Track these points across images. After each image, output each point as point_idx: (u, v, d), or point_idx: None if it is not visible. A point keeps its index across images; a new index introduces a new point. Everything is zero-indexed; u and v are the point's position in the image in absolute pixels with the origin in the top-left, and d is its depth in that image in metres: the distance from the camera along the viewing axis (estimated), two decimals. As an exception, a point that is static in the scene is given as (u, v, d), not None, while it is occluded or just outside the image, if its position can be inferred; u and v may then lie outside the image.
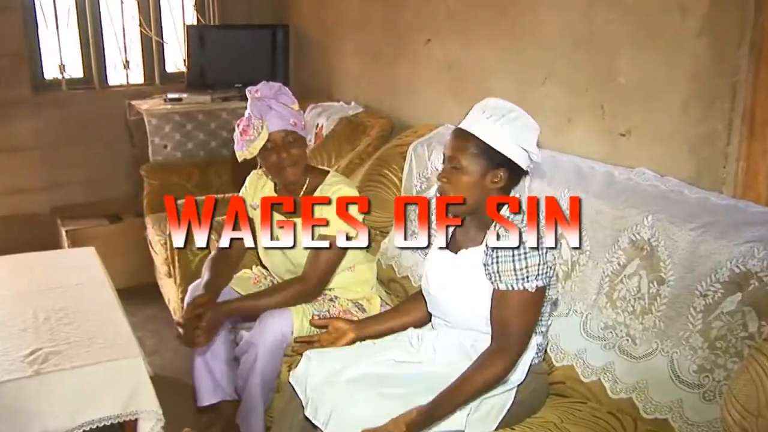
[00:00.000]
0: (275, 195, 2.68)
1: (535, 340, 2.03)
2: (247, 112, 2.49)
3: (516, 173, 1.98)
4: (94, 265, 3.04)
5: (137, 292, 4.22)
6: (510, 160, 1.94)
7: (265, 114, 2.44)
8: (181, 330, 2.40)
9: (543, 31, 2.72)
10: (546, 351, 2.21)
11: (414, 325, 2.31)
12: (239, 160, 2.51)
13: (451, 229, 2.18)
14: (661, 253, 2.01)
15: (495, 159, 1.94)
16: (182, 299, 3.43)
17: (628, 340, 2.07)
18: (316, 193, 2.57)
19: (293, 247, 2.61)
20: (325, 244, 2.49)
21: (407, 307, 2.38)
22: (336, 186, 2.54)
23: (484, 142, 1.93)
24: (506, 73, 2.94)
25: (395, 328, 2.33)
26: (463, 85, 3.23)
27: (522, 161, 1.95)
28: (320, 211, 2.52)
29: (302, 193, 2.60)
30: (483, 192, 1.97)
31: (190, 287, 2.68)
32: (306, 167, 2.62)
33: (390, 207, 3.10)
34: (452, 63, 3.29)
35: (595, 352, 2.15)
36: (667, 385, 1.94)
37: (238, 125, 2.46)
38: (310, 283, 2.51)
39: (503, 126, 1.92)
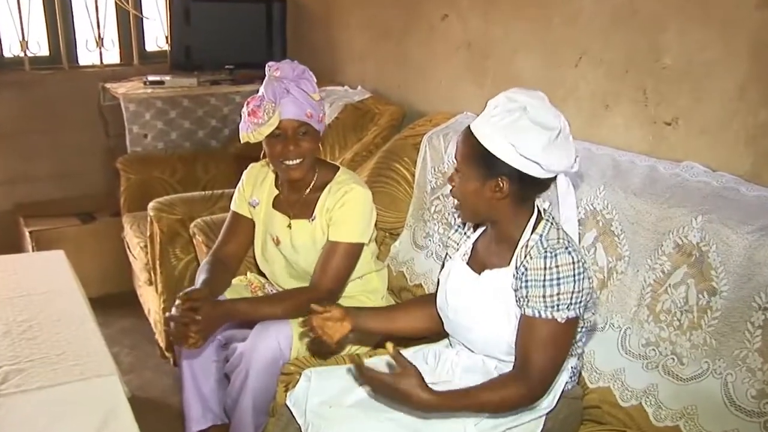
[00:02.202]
0: (277, 191, 2.68)
1: (569, 362, 2.03)
2: (260, 91, 2.47)
3: (529, 181, 1.91)
4: (62, 270, 3.03)
5: (113, 302, 4.22)
6: (513, 167, 1.88)
7: (280, 98, 2.42)
8: (172, 325, 2.37)
9: (577, 3, 2.71)
10: (580, 372, 2.20)
11: (414, 333, 2.31)
12: (241, 141, 2.48)
13: (471, 242, 2.17)
14: (713, 259, 2.00)
15: (494, 165, 1.89)
16: (164, 309, 3.43)
17: (673, 359, 2.06)
18: (325, 192, 2.57)
19: (297, 251, 2.61)
20: (336, 250, 2.50)
21: (410, 311, 2.35)
22: (348, 185, 2.54)
23: (483, 145, 1.89)
24: (534, 53, 2.93)
25: (393, 329, 2.31)
26: (485, 67, 3.21)
27: (530, 169, 1.87)
28: (330, 213, 2.52)
29: (309, 190, 2.60)
30: (485, 202, 1.95)
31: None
32: (315, 161, 2.62)
33: (401, 206, 3.10)
34: (472, 41, 3.28)
35: (635, 373, 2.14)
36: (720, 412, 1.93)
37: (248, 103, 2.45)
38: (322, 294, 2.50)
39: (502, 128, 1.86)
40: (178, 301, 2.38)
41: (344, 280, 2.56)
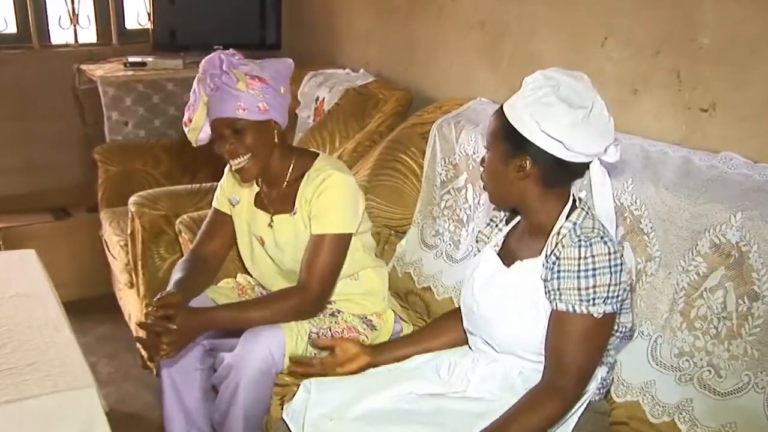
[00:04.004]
0: (257, 188, 2.69)
1: (600, 372, 2.03)
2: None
3: (556, 165, 1.94)
4: (34, 271, 3.03)
5: (90, 307, 4.22)
6: (536, 146, 1.91)
7: (197, 100, 2.50)
8: (143, 334, 2.37)
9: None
10: (609, 386, 2.19)
11: (450, 347, 2.31)
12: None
13: (503, 234, 2.19)
14: (754, 260, 1.98)
15: (518, 144, 1.94)
16: (147, 315, 3.42)
17: (710, 371, 2.05)
18: (303, 182, 2.56)
19: (282, 250, 2.62)
20: (322, 244, 2.49)
21: (438, 329, 2.39)
22: (325, 171, 2.53)
23: (509, 122, 1.95)
24: (555, 32, 2.92)
25: (426, 350, 2.33)
26: (500, 49, 3.21)
27: (554, 150, 1.90)
28: (309, 205, 2.51)
29: (286, 183, 2.60)
30: (510, 183, 2.00)
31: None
32: (291, 150, 2.63)
33: (408, 200, 3.09)
34: (487, 20, 3.27)
35: (667, 386, 2.13)
36: (763, 430, 1.91)
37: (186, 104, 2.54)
38: (311, 294, 2.49)
39: (529, 104, 1.91)
40: (150, 307, 2.39)
41: (334, 277, 2.55)
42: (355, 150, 3.45)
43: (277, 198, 2.62)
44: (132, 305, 3.79)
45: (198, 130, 2.55)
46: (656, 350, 2.18)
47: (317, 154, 2.65)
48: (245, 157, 2.47)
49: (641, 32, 2.57)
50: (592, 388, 2.01)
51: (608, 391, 2.20)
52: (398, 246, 3.09)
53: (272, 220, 2.61)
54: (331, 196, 2.50)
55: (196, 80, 2.52)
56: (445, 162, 2.99)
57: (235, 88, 2.41)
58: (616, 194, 2.33)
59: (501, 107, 2.00)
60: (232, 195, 2.71)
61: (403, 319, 2.75)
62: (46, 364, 2.36)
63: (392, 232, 3.13)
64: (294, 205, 2.57)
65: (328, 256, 2.50)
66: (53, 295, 2.84)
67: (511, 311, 2.04)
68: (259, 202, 2.67)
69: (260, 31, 4.71)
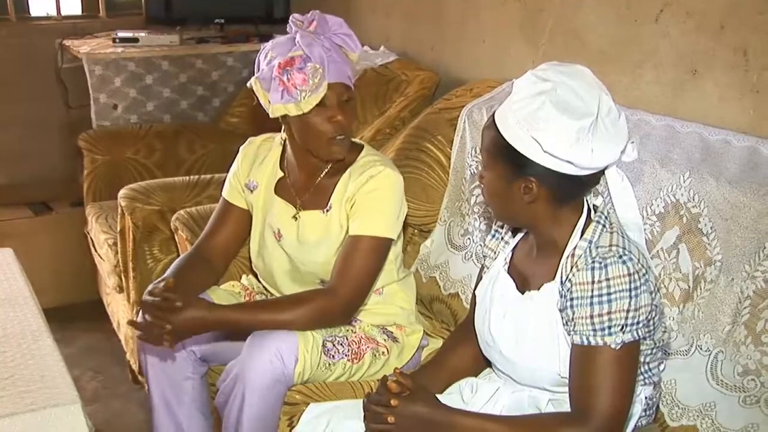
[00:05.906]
0: (281, 173, 2.67)
1: (643, 392, 2.01)
2: (297, 49, 2.41)
3: (567, 180, 1.90)
4: (10, 273, 3.04)
5: (74, 314, 4.24)
6: (542, 166, 1.87)
7: (324, 58, 2.40)
8: (142, 317, 2.36)
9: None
10: (658, 406, 2.18)
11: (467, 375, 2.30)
12: (273, 116, 2.46)
13: (510, 248, 2.17)
14: (830, 265, 1.98)
15: (520, 164, 1.89)
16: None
17: (779, 392, 2.04)
18: (345, 176, 2.56)
19: (304, 248, 2.61)
20: (359, 246, 2.48)
21: (457, 351, 2.34)
22: (374, 167, 2.51)
23: (505, 139, 1.89)
24: (603, 4, 2.90)
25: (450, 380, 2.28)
26: (541, 23, 3.20)
27: (563, 168, 1.86)
28: (352, 202, 2.51)
29: (324, 174, 2.59)
30: (516, 205, 1.95)
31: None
32: None
33: (433, 196, 3.09)
34: (525, -11, 3.27)
35: (729, 409, 2.11)
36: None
37: (283, 66, 2.40)
38: (340, 299, 2.47)
39: (523, 119, 1.85)
40: (152, 288, 2.40)
41: (369, 283, 2.53)
42: (373, 138, 3.45)
43: (307, 190, 2.62)
44: (121, 312, 3.80)
45: (321, 94, 2.41)
46: (717, 368, 2.16)
47: (361, 146, 2.64)
48: (344, 136, 2.48)
49: (703, 4, 2.55)
50: (637, 410, 1.99)
51: (657, 412, 2.18)
52: (422, 247, 3.09)
53: (298, 214, 2.61)
54: (378, 197, 2.49)
55: (305, 37, 2.40)
56: (475, 152, 2.98)
57: (349, 55, 2.45)
58: (670, 190, 2.33)
59: (492, 119, 1.95)
60: (250, 179, 2.70)
61: (429, 333, 2.75)
62: (24, 378, 2.37)
63: (415, 231, 3.13)
64: (328, 201, 2.57)
65: (364, 261, 2.48)
66: (32, 301, 2.85)
67: (529, 347, 2.02)
68: (282, 190, 2.66)
69: (266, 3, 4.70)
